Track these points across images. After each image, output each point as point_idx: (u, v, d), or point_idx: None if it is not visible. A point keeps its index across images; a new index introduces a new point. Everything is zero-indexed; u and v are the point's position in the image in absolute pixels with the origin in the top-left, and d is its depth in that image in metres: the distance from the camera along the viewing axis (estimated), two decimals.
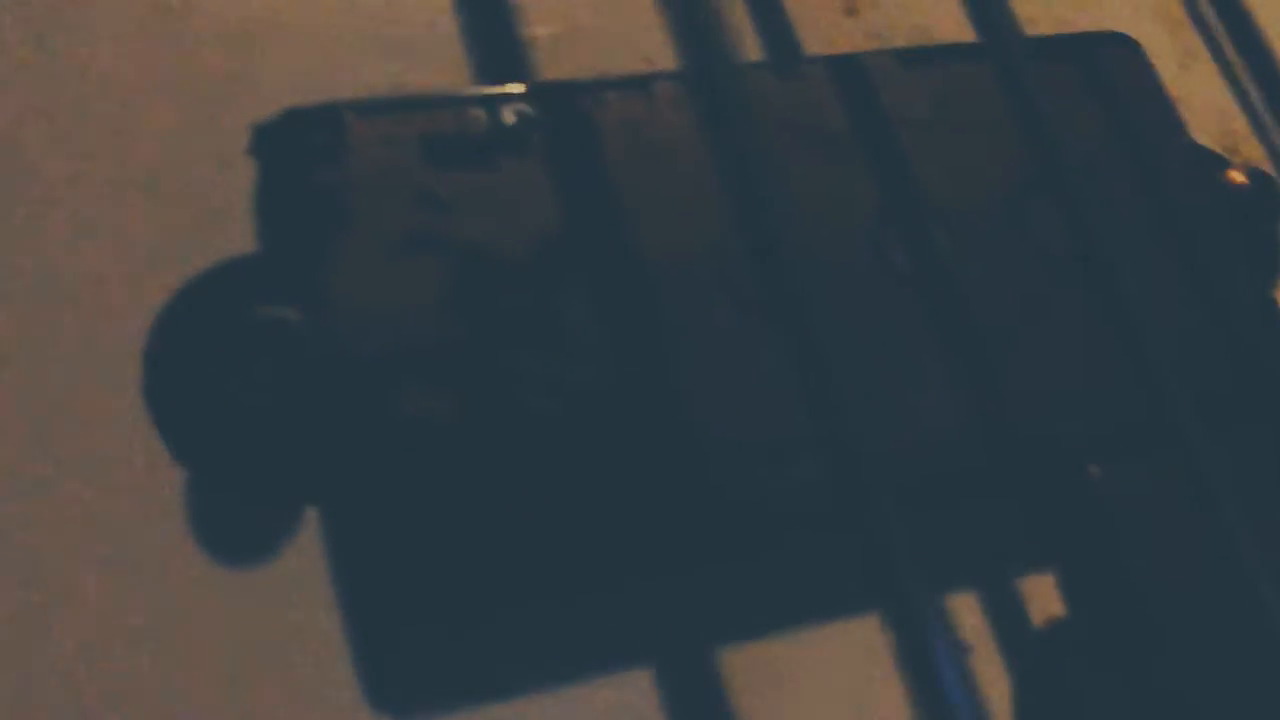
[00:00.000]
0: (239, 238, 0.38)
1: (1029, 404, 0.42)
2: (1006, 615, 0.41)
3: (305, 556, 0.35)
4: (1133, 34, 0.53)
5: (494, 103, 0.41)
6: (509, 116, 0.40)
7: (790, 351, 0.38)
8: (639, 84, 0.43)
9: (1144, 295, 0.43)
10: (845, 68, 0.46)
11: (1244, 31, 0.58)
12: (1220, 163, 0.52)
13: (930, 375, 0.41)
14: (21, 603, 0.33)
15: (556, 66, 0.44)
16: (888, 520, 0.36)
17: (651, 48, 0.46)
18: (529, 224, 0.39)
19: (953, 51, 0.48)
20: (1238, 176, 0.52)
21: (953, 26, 0.50)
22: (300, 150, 0.38)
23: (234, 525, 0.35)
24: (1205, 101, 0.55)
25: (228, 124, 0.40)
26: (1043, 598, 0.42)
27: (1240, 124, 0.55)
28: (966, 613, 0.41)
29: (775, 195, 0.40)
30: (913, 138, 0.45)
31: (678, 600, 0.37)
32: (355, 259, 0.37)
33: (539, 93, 0.42)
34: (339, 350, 0.35)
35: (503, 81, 0.42)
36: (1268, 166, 0.54)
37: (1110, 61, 0.49)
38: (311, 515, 0.35)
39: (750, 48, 0.47)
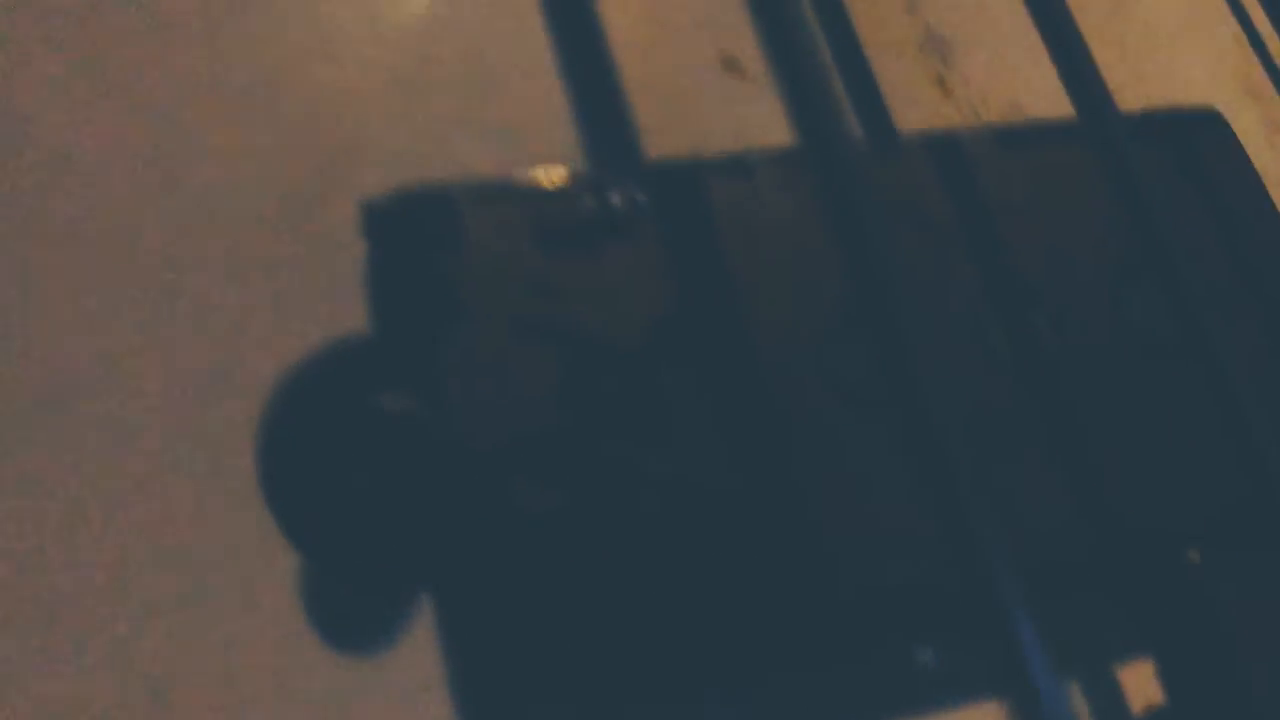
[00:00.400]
0: (353, 319, 0.38)
1: (1133, 489, 0.42)
2: (1107, 702, 0.41)
3: (420, 647, 0.35)
4: (1219, 105, 0.53)
5: (602, 187, 0.41)
6: (616, 201, 0.41)
7: (899, 439, 0.39)
8: (741, 165, 0.43)
9: (1244, 377, 0.43)
10: (944, 147, 0.46)
11: None
12: None
13: (1035, 461, 0.41)
14: (137, 684, 0.33)
15: (660, 146, 0.44)
16: (1007, 607, 0.36)
17: (750, 125, 0.46)
18: (638, 309, 0.39)
19: (1047, 130, 0.48)
20: None
21: (1044, 100, 0.50)
22: (413, 233, 0.39)
23: (350, 613, 0.35)
24: None
25: (338, 203, 0.40)
26: (1143, 685, 0.42)
27: None
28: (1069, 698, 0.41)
29: (886, 279, 0.40)
30: (1012, 219, 0.45)
31: (791, 699, 0.37)
32: (469, 346, 0.37)
33: (645, 176, 0.42)
34: (455, 439, 0.36)
35: (608, 164, 0.42)
36: None
37: (1202, 140, 0.49)
38: (428, 604, 0.35)
39: (847, 123, 0.47)
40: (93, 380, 0.36)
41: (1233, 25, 0.57)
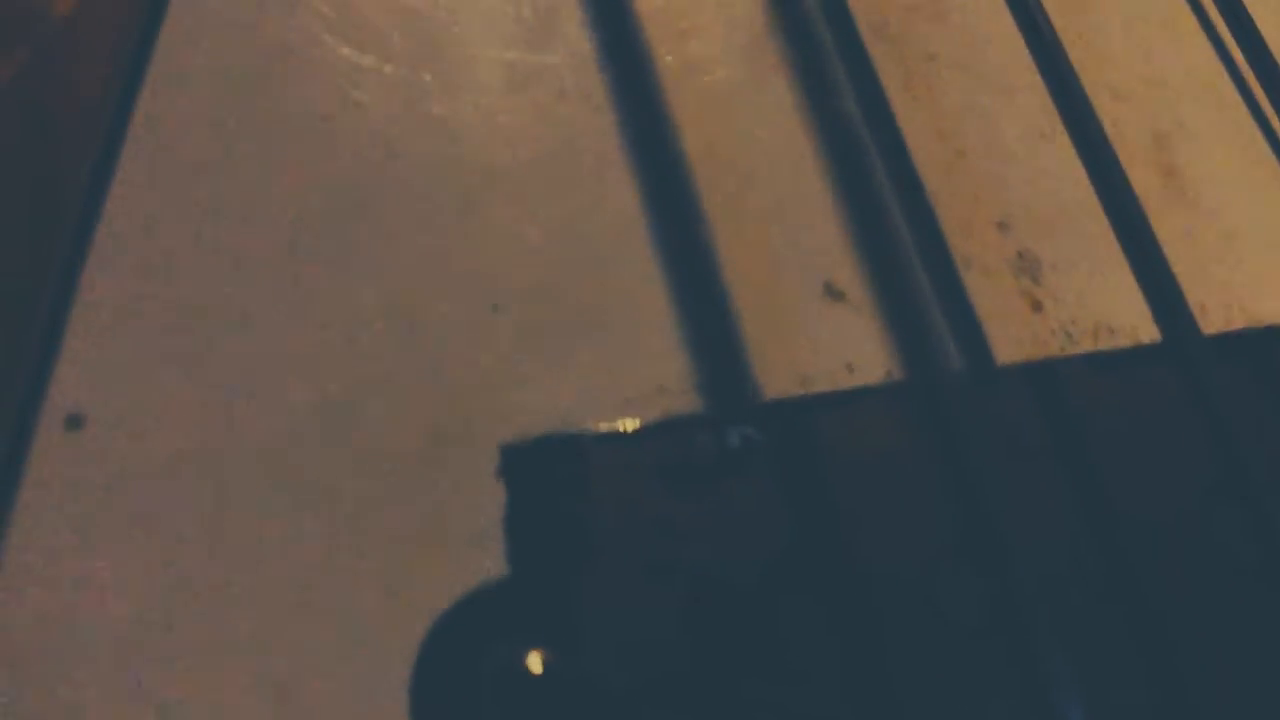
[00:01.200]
0: (489, 563, 0.41)
1: (1221, 707, 0.44)
2: None
3: None
4: None
5: (718, 425, 0.43)
6: (733, 439, 0.43)
7: (1003, 663, 0.41)
8: (848, 398, 0.46)
9: None
10: (1038, 372, 0.48)
11: None
12: None
13: (1129, 680, 0.43)
14: None
15: (770, 377, 0.47)
16: None
17: (854, 351, 0.49)
18: (755, 545, 0.42)
19: (1135, 354, 0.50)
20: None
21: (1133, 318, 0.53)
22: (543, 478, 0.41)
23: None
24: None
25: (478, 443, 0.43)
26: None
27: None
28: None
29: (988, 508, 0.43)
30: (1103, 444, 0.47)
31: None
32: (600, 588, 0.40)
33: (757, 411, 0.44)
34: (588, 683, 0.38)
35: (722, 398, 0.45)
36: None
37: None
38: None
39: (945, 346, 0.50)
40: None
41: None
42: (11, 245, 0.49)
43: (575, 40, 0.53)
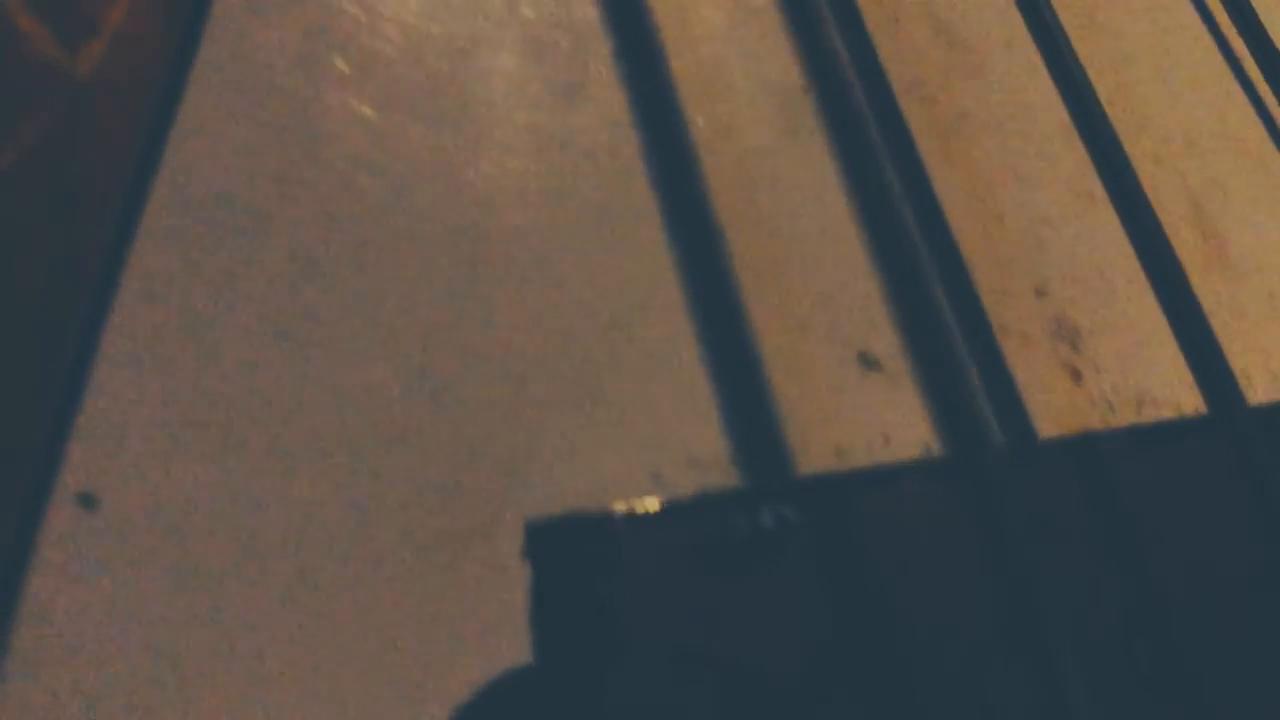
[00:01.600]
0: (515, 648, 0.40)
1: None
2: None
3: None
4: None
5: (752, 504, 0.42)
6: (767, 520, 0.42)
7: None
8: (885, 474, 0.44)
9: None
10: (1080, 447, 0.47)
11: None
12: None
13: None
14: None
15: (804, 451, 0.45)
16: None
17: (890, 423, 0.47)
18: (791, 633, 0.40)
19: (1179, 426, 0.48)
20: None
21: (1175, 387, 0.51)
22: (572, 558, 0.40)
23: None
24: None
25: (501, 521, 0.42)
26: None
27: None
28: None
29: (1032, 596, 0.41)
30: (1149, 523, 0.45)
31: None
32: (629, 677, 0.38)
33: (792, 489, 0.43)
34: None
35: (756, 474, 0.44)
36: None
37: None
38: None
39: (983, 417, 0.48)
40: None
41: None
42: (32, 311, 0.48)
43: (604, 102, 0.52)
